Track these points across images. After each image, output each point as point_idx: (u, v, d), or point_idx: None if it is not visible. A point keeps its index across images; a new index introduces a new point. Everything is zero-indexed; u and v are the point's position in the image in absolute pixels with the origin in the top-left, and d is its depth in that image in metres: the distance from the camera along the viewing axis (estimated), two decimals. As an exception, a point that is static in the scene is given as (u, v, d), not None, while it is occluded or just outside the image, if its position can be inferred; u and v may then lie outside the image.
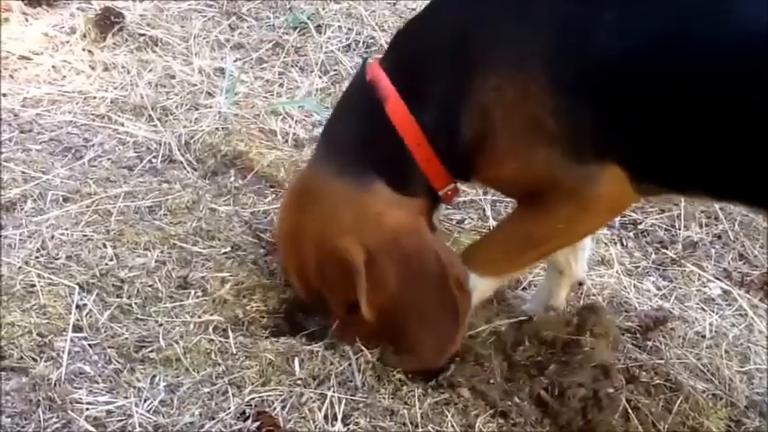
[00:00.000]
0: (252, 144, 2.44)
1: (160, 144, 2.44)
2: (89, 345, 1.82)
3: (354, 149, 1.81)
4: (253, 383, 1.76)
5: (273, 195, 2.30)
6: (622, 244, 2.41)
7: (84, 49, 2.78)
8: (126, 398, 1.72)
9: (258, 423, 1.68)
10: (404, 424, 1.72)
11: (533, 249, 1.85)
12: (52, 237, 2.04)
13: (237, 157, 2.40)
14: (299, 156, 2.44)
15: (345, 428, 1.70)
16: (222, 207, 2.22)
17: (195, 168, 2.39)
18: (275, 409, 1.71)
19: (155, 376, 1.77)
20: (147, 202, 2.20)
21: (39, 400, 1.69)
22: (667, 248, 2.41)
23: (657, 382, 1.91)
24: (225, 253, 2.08)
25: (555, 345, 1.90)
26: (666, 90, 1.64)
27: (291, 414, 1.71)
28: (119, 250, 2.03)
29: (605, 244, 2.37)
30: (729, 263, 2.40)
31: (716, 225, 2.50)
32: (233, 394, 1.74)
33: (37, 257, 1.99)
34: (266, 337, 1.89)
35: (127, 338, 1.84)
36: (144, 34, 2.88)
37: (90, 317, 1.87)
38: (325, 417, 1.71)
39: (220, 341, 1.85)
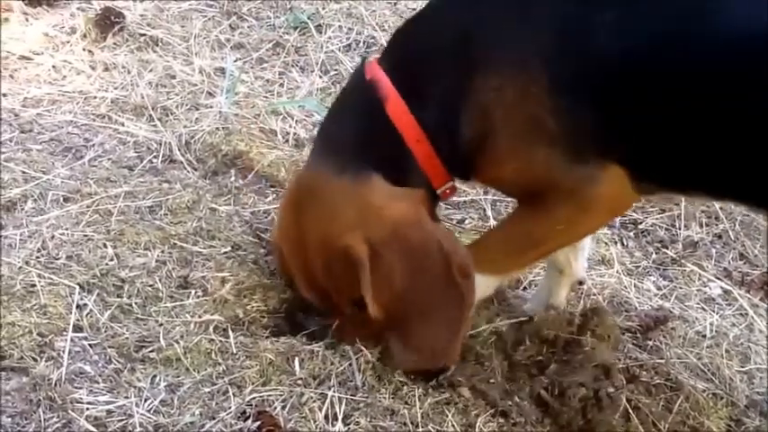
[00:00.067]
0: (252, 144, 2.44)
1: (160, 144, 2.44)
2: (89, 344, 1.82)
3: (353, 148, 1.81)
4: (253, 383, 1.76)
5: (274, 195, 2.30)
6: (623, 243, 2.41)
7: (84, 49, 2.78)
8: (126, 398, 1.72)
9: (258, 423, 1.68)
10: (404, 424, 1.72)
11: (534, 249, 1.85)
12: (53, 237, 2.04)
13: (238, 156, 2.40)
14: (299, 155, 2.44)
15: (346, 428, 1.70)
16: (223, 207, 2.22)
17: (196, 168, 2.39)
18: (276, 408, 1.71)
19: (155, 376, 1.77)
20: (148, 202, 2.20)
21: (39, 400, 1.69)
22: (668, 248, 2.41)
23: (658, 381, 1.91)
24: (225, 253, 2.08)
25: (555, 344, 1.90)
26: (666, 90, 1.65)
27: (292, 414, 1.71)
28: (119, 250, 2.03)
29: (606, 243, 2.37)
30: (730, 262, 2.40)
31: (716, 225, 2.50)
32: (233, 394, 1.74)
33: (37, 257, 1.99)
34: (267, 337, 1.89)
35: (127, 338, 1.84)
36: (144, 34, 2.88)
37: (90, 317, 1.87)
38: (326, 416, 1.71)
39: (221, 341, 1.85)
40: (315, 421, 1.70)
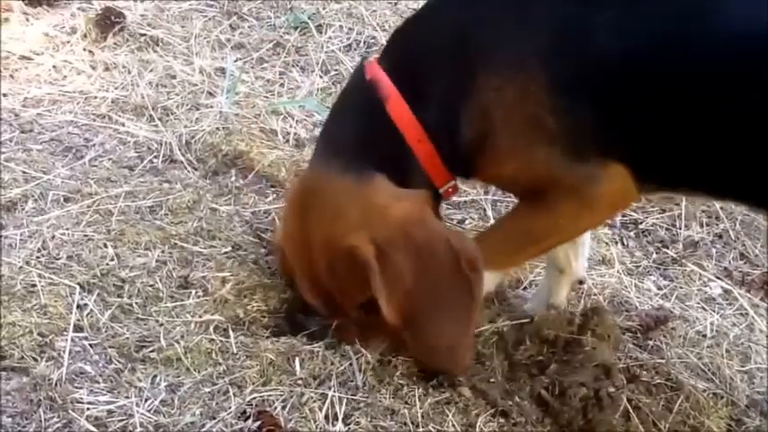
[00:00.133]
0: (253, 144, 2.44)
1: (161, 144, 2.44)
2: (90, 344, 1.82)
3: (355, 149, 1.81)
4: (254, 383, 1.76)
5: (274, 195, 2.30)
6: (623, 243, 2.41)
7: (84, 49, 2.78)
8: (127, 397, 1.72)
9: (259, 423, 1.68)
10: (405, 423, 1.72)
11: (533, 245, 1.85)
12: (53, 237, 2.04)
13: (238, 156, 2.40)
14: (299, 155, 2.44)
15: (346, 428, 1.70)
16: (223, 207, 2.22)
17: (196, 168, 2.39)
18: (276, 408, 1.71)
19: (155, 376, 1.77)
20: (148, 202, 2.20)
21: (39, 400, 1.69)
22: (668, 248, 2.41)
23: (658, 381, 1.91)
24: (226, 253, 2.08)
25: (556, 344, 1.90)
26: (666, 90, 1.65)
27: (292, 414, 1.71)
28: (119, 250, 2.03)
29: (606, 243, 2.37)
30: (730, 262, 2.40)
31: (717, 224, 2.49)
32: (234, 394, 1.74)
33: (38, 257, 1.99)
34: (267, 337, 1.89)
35: (128, 338, 1.84)
36: (145, 34, 2.88)
37: (91, 317, 1.88)
38: (326, 416, 1.71)
39: (221, 341, 1.85)
40: (315, 421, 1.70)
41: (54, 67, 2.71)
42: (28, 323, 1.83)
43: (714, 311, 2.23)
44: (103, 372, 1.77)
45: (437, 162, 1.80)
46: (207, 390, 1.75)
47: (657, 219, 2.49)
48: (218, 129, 2.48)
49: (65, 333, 1.83)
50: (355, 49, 2.97)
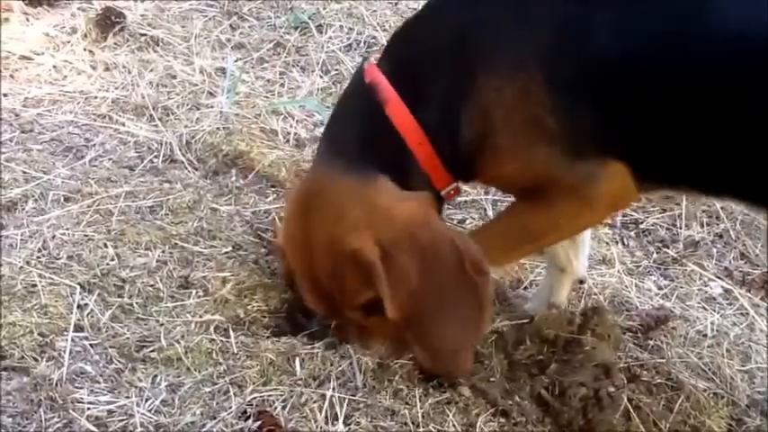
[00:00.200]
0: (253, 144, 2.44)
1: (161, 144, 2.44)
2: (90, 344, 1.82)
3: (357, 151, 1.80)
4: (254, 383, 1.76)
5: (275, 195, 2.30)
6: (624, 243, 2.41)
7: (85, 49, 2.78)
8: (127, 397, 1.72)
9: (259, 423, 1.68)
10: (405, 424, 1.72)
11: (530, 242, 1.85)
12: (53, 237, 2.04)
13: (239, 156, 2.40)
14: (300, 155, 2.44)
15: (346, 428, 1.70)
16: (223, 207, 2.22)
17: (196, 168, 2.39)
18: (276, 408, 1.71)
19: (156, 376, 1.77)
20: (149, 202, 2.20)
21: (40, 400, 1.69)
22: (668, 248, 2.41)
23: (659, 381, 1.91)
24: (226, 253, 2.08)
25: (556, 344, 1.91)
26: (666, 90, 1.65)
27: (293, 414, 1.71)
28: (120, 250, 2.03)
29: (606, 243, 2.37)
30: (731, 262, 2.40)
31: (717, 224, 2.50)
32: (234, 394, 1.74)
33: (38, 257, 1.99)
34: (267, 337, 1.89)
35: (128, 338, 1.84)
36: (145, 34, 2.88)
37: (91, 317, 1.88)
38: (327, 417, 1.71)
39: (221, 341, 1.85)
40: (315, 421, 1.70)
41: (54, 67, 2.71)
42: (28, 323, 1.83)
43: (714, 311, 2.23)
44: (104, 372, 1.77)
45: (438, 164, 1.79)
46: (207, 390, 1.75)
47: (658, 218, 2.49)
48: (218, 129, 2.48)
49: (65, 333, 1.83)
50: (355, 49, 2.97)
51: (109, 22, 2.85)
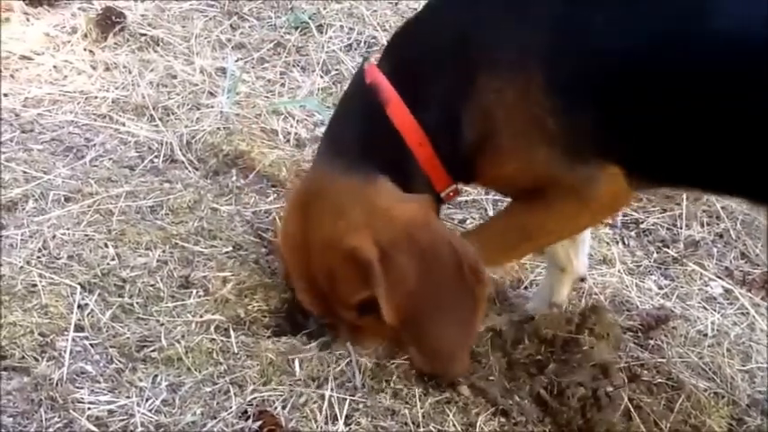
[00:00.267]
0: (253, 144, 2.44)
1: (162, 144, 2.44)
2: (91, 344, 1.82)
3: (357, 152, 1.80)
4: (254, 383, 1.76)
5: (275, 195, 2.30)
6: (624, 243, 2.41)
7: (85, 49, 2.78)
8: (128, 397, 1.72)
9: (260, 422, 1.68)
10: (405, 423, 1.72)
11: (528, 242, 1.85)
12: (54, 236, 2.04)
13: (239, 156, 2.40)
14: (300, 155, 2.44)
15: (347, 428, 1.70)
16: (224, 207, 2.22)
17: (197, 168, 2.39)
18: (277, 408, 1.71)
19: (156, 376, 1.77)
20: (149, 202, 2.20)
21: (40, 400, 1.69)
22: (669, 247, 2.41)
23: (659, 380, 1.92)
24: (226, 252, 2.08)
25: (554, 343, 1.90)
26: (666, 90, 1.65)
27: (293, 414, 1.71)
28: (120, 250, 2.03)
29: (607, 243, 2.37)
30: (731, 262, 2.40)
31: (717, 224, 2.49)
32: (234, 394, 1.74)
33: (38, 257, 1.99)
34: (268, 337, 1.89)
35: (128, 338, 1.84)
36: (145, 34, 2.88)
37: (91, 316, 1.88)
38: (327, 416, 1.71)
39: (222, 341, 1.85)
40: (316, 421, 1.70)
41: (54, 66, 2.71)
42: (29, 323, 1.83)
43: (715, 311, 2.23)
44: (104, 371, 1.77)
45: (438, 165, 1.79)
46: (208, 389, 1.75)
47: (658, 218, 2.49)
48: (218, 129, 2.48)
49: (66, 333, 1.83)
50: (356, 49, 2.97)
51: (109, 22, 2.85)
